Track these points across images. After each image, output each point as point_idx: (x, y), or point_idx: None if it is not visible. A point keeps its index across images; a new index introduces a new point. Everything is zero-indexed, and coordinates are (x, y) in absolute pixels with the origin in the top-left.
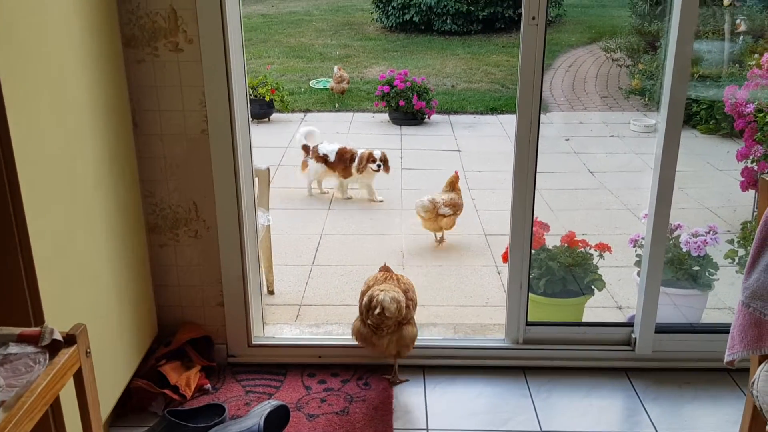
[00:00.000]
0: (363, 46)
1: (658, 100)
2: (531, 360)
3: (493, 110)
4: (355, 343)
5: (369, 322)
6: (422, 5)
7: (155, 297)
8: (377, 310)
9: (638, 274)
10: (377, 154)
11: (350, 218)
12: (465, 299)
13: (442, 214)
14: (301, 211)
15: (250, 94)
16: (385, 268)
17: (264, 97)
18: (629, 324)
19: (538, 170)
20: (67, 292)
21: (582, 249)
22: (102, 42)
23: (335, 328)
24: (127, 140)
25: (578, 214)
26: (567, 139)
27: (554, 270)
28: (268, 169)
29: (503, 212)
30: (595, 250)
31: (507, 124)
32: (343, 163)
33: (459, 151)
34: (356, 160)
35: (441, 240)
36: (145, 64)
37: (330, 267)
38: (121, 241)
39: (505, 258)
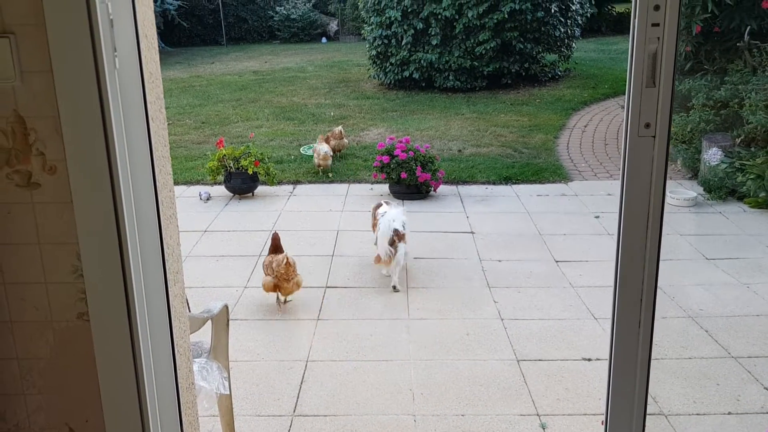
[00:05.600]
0: (359, 105)
1: (695, 167)
2: None
3: (506, 179)
4: None
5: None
6: (422, 61)
7: None
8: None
9: None
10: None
11: (345, 334)
12: None
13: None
14: (280, 325)
15: (231, 167)
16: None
17: (247, 170)
18: None
19: (567, 259)
20: None
21: None
22: None
23: None
24: None
25: None
26: (597, 216)
27: None
28: (226, 307)
29: (538, 323)
30: None
31: (524, 196)
32: None
33: (473, 233)
34: None
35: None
36: None
37: (317, 419)
38: None
39: None
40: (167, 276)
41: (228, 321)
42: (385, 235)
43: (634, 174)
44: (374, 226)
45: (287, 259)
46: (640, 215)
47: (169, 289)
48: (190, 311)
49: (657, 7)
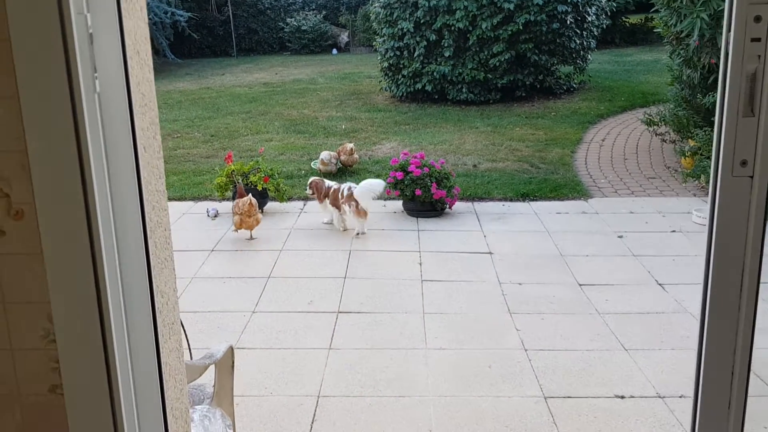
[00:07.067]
0: (371, 118)
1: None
2: None
3: (524, 196)
4: None
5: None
6: (435, 73)
7: None
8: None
9: None
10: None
11: (358, 365)
12: None
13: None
14: (290, 354)
15: (240, 183)
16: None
17: (256, 186)
18: None
19: (591, 282)
20: None
21: None
22: None
23: None
24: None
25: (674, 356)
26: (620, 236)
27: None
28: (231, 349)
29: (565, 354)
30: None
31: (543, 214)
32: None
33: (491, 253)
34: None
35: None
36: None
37: None
38: None
39: None
40: (159, 331)
41: (233, 364)
42: (365, 194)
43: (727, 221)
44: (320, 198)
45: (250, 200)
46: (733, 270)
47: (161, 347)
48: (189, 347)
49: (758, 18)
